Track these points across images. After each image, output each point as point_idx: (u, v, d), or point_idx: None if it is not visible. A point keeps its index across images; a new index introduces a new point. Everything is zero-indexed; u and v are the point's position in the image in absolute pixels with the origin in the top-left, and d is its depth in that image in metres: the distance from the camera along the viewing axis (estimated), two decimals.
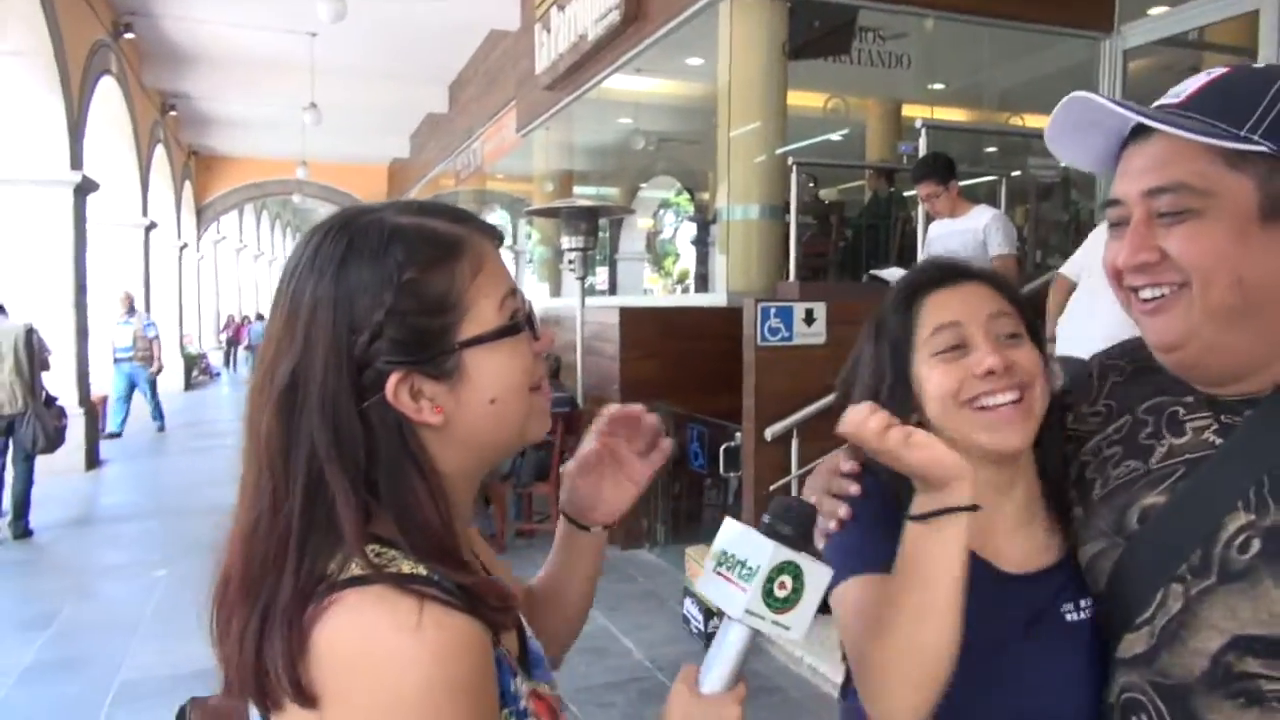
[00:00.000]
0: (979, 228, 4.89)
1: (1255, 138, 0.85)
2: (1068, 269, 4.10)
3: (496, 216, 16.24)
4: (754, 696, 0.81)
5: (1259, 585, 0.85)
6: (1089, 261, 3.85)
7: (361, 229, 0.80)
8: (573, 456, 1.08)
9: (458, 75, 14.56)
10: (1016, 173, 7.76)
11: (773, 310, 4.84)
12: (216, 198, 22.02)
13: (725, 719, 0.80)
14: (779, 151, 6.60)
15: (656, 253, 23.25)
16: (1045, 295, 4.16)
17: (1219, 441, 0.94)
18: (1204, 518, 0.91)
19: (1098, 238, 3.91)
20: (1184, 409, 0.99)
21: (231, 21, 11.56)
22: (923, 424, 0.99)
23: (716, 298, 6.87)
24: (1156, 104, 0.93)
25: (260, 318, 24.09)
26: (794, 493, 2.31)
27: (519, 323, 0.83)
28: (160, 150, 15.68)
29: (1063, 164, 5.14)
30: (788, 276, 6.33)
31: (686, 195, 17.72)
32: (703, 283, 12.87)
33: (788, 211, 6.43)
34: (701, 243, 12.90)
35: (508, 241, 15.47)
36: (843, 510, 1.02)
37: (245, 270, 29.99)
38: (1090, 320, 3.43)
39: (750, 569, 0.79)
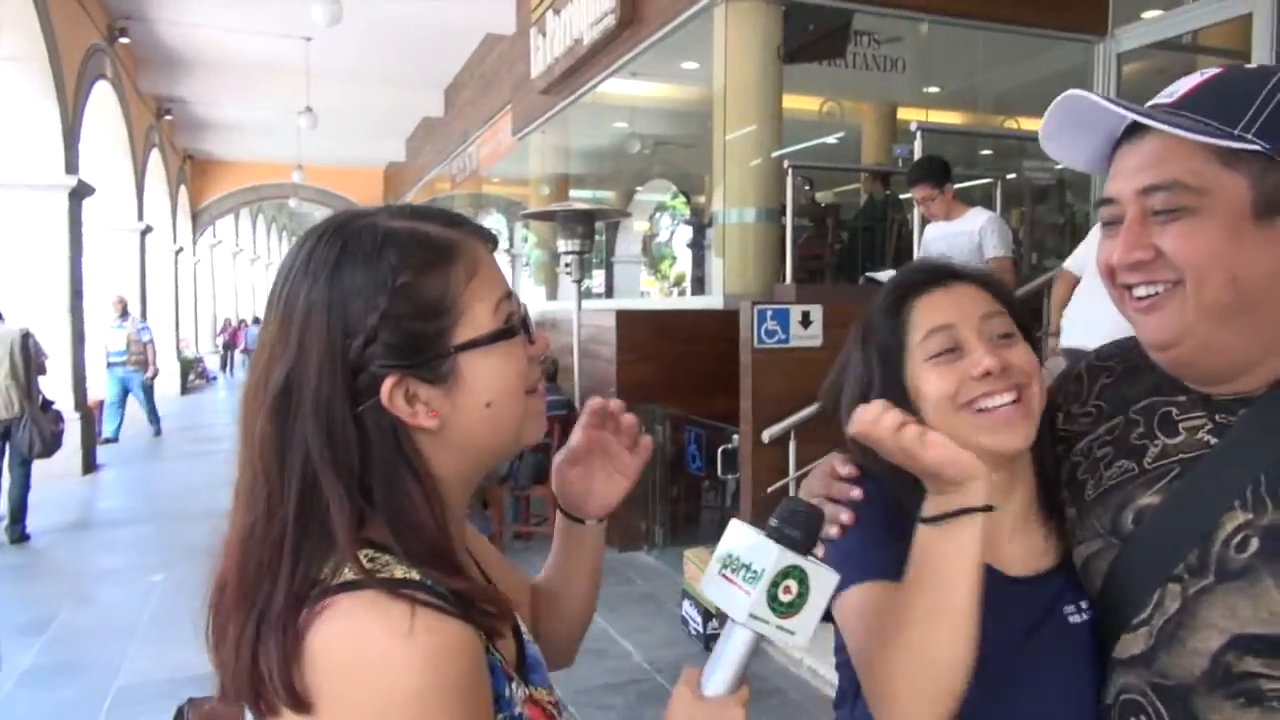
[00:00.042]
0: (974, 230, 4.90)
1: (1249, 136, 0.86)
2: (1071, 263, 4.12)
3: (492, 220, 16.26)
4: (754, 699, 0.80)
5: (1258, 584, 0.85)
6: (1092, 256, 3.86)
7: (355, 233, 0.80)
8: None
9: (453, 79, 14.56)
10: (1011, 175, 7.78)
11: (769, 313, 4.85)
12: (212, 202, 22.00)
13: None
14: (774, 155, 6.60)
15: (653, 256, 23.22)
16: (1042, 297, 4.17)
17: (1214, 441, 0.94)
18: (1201, 517, 0.91)
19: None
20: (1177, 409, 0.98)
21: (226, 26, 11.56)
22: None
23: (713, 300, 6.86)
24: (1150, 104, 0.93)
25: (257, 321, 24.03)
26: (791, 494, 2.30)
27: (514, 326, 0.83)
28: (156, 154, 15.64)
29: (1057, 164, 5.14)
30: (784, 279, 6.32)
31: (682, 198, 17.71)
32: (699, 285, 12.86)
33: (784, 214, 6.43)
34: (698, 246, 12.89)
35: (504, 245, 15.50)
36: (844, 515, 1.01)
37: (241, 274, 29.94)
38: (1096, 312, 3.44)
39: (755, 572, 0.77)
